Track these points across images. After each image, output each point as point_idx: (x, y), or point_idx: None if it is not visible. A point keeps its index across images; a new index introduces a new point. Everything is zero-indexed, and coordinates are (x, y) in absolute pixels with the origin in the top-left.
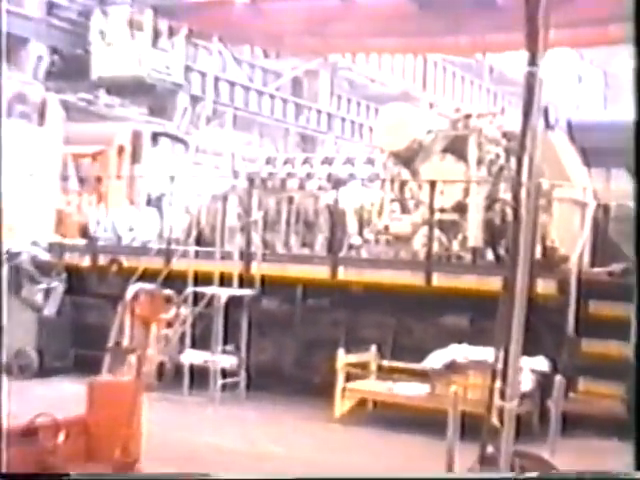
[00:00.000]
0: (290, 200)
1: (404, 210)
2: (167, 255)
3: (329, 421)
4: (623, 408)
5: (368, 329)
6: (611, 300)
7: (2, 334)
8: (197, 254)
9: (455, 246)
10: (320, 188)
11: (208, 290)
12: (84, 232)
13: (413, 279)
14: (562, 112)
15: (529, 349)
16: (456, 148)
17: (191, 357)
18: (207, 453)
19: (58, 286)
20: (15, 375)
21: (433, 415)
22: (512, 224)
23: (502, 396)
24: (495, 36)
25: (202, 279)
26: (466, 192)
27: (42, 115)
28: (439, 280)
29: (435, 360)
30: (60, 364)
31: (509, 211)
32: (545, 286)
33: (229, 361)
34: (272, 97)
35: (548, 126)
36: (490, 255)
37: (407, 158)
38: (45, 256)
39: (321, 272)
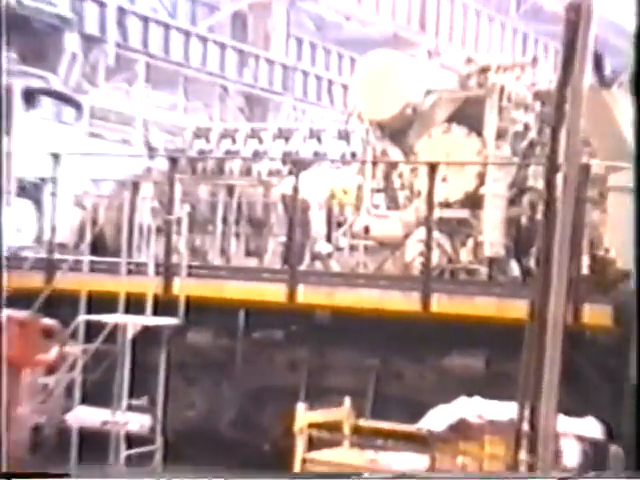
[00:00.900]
0: (230, 190)
1: (392, 204)
2: (49, 268)
3: None
4: None
5: (340, 374)
6: None
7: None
8: (93, 266)
9: (464, 256)
10: (273, 173)
11: (109, 319)
12: None
13: (404, 302)
14: (623, 61)
15: (572, 405)
16: (467, 116)
17: (82, 417)
18: None
19: None
20: None
21: None
22: (544, 224)
23: (531, 470)
24: None
25: (100, 303)
26: (480, 179)
27: None
28: (441, 304)
29: (436, 420)
30: None
31: (542, 206)
32: (595, 314)
33: (139, 422)
34: (204, 40)
35: (602, 81)
36: (515, 269)
37: (397, 130)
38: None
39: (273, 292)
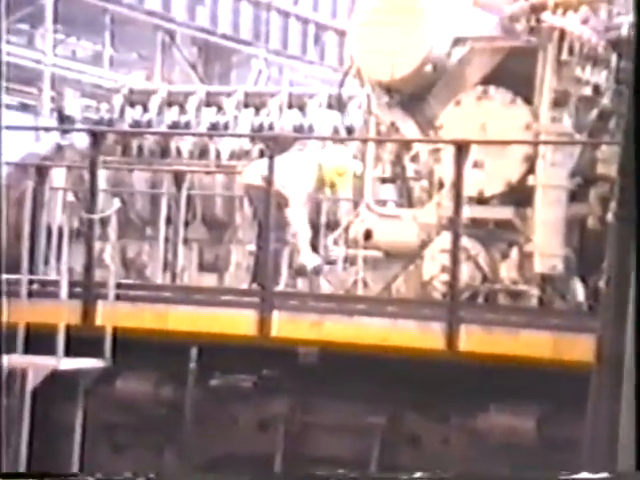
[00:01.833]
0: (177, 178)
1: (404, 200)
2: None
3: None
4: None
5: (330, 437)
6: None
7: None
8: None
9: (506, 272)
10: (237, 155)
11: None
12: None
13: (421, 337)
14: None
15: None
16: (511, 75)
17: None
18: None
19: None
20: None
21: None
22: (618, 228)
23: None
24: None
25: None
26: (530, 164)
27: None
28: (472, 340)
29: None
30: None
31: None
32: None
33: None
34: None
35: None
36: (578, 291)
37: (411, 96)
38: None
39: (238, 322)
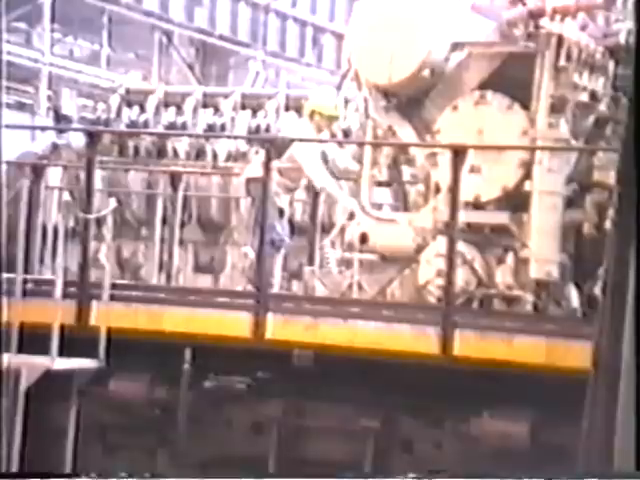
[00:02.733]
0: (173, 179)
1: (400, 204)
2: None
3: None
4: None
5: (324, 440)
6: None
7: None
8: None
9: (501, 278)
10: (234, 157)
11: None
12: None
13: (416, 341)
14: None
15: None
16: (509, 80)
17: None
18: None
19: None
20: None
21: None
22: (615, 234)
23: None
24: None
25: None
26: (526, 170)
27: None
28: (467, 345)
29: None
30: None
31: (613, 209)
32: None
33: None
34: None
35: None
36: (573, 297)
37: (409, 100)
38: None
39: (233, 324)
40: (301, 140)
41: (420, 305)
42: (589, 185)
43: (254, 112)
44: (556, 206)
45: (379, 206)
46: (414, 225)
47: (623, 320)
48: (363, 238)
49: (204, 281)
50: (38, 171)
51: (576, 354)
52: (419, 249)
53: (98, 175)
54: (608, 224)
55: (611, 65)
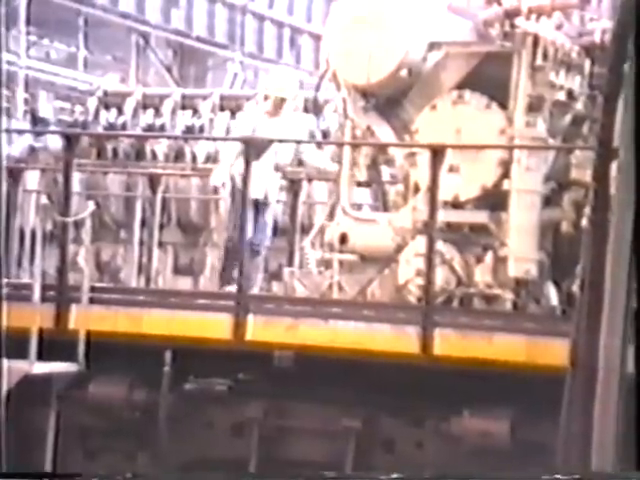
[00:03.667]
0: (152, 181)
1: (379, 204)
2: None
3: None
4: None
5: (305, 440)
6: None
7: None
8: None
9: (480, 276)
10: (212, 158)
11: None
12: None
13: (396, 341)
14: None
15: None
16: (486, 80)
17: None
18: None
19: None
20: None
21: None
22: (592, 232)
23: None
24: None
25: None
26: (504, 169)
27: None
28: (447, 344)
29: None
30: None
31: (590, 207)
32: None
33: None
34: None
35: None
36: (552, 295)
37: (387, 100)
38: None
39: (213, 326)
40: (280, 141)
41: (400, 305)
42: (567, 183)
43: (233, 113)
44: (534, 204)
45: (359, 206)
46: (393, 225)
47: (600, 317)
48: (343, 238)
49: (184, 283)
50: (15, 174)
51: (556, 352)
52: (399, 249)
53: (76, 178)
54: (586, 222)
55: (587, 64)
